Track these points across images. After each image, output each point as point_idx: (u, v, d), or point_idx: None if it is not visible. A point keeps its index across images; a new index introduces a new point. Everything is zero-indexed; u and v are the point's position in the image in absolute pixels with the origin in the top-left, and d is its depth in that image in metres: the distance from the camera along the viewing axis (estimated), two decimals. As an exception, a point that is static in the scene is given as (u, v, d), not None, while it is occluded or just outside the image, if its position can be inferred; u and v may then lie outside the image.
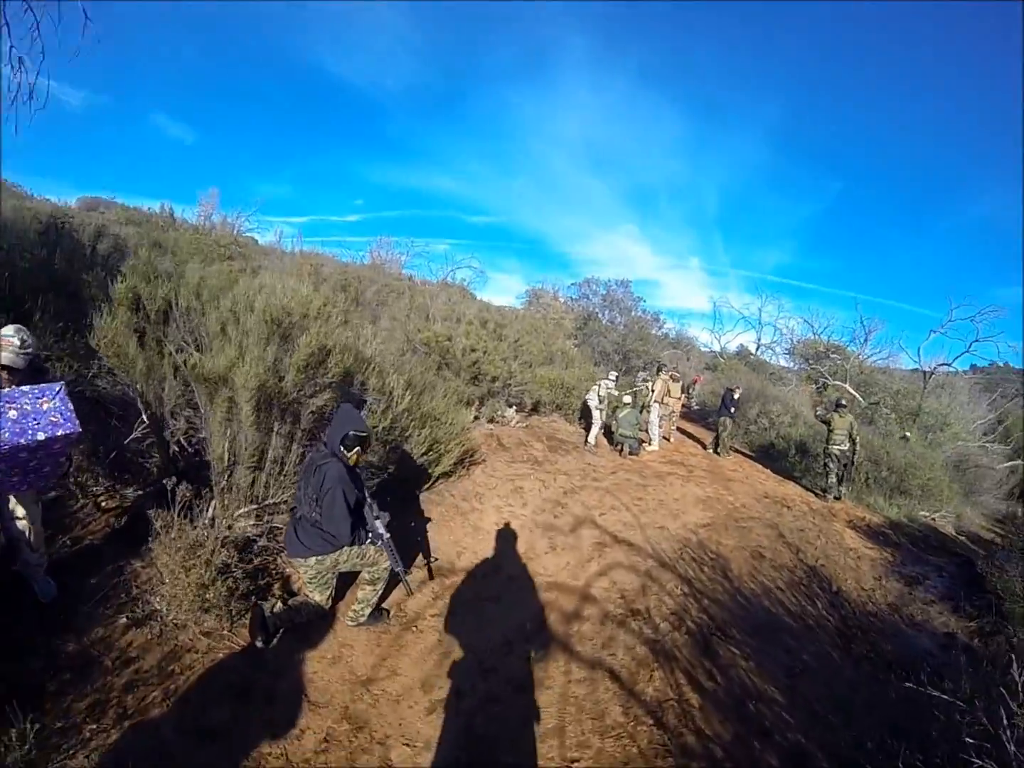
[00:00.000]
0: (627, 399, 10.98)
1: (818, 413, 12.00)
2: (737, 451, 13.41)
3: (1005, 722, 2.76)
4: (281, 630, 3.85)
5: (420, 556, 5.27)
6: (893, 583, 6.93)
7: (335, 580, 4.08)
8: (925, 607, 6.41)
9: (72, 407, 3.37)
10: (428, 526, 5.81)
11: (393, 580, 4.27)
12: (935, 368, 19.18)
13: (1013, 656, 3.26)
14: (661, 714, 3.83)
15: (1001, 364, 26.50)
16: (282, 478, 4.64)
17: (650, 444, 11.69)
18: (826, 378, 21.90)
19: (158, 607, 3.71)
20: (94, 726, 2.90)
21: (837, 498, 10.11)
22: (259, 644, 3.70)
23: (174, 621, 3.67)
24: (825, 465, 10.26)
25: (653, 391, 11.91)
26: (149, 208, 20.38)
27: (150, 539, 3.97)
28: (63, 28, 4.22)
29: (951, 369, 20.03)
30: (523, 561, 5.66)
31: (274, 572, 4.54)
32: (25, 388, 3.28)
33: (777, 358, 30.53)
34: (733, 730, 3.76)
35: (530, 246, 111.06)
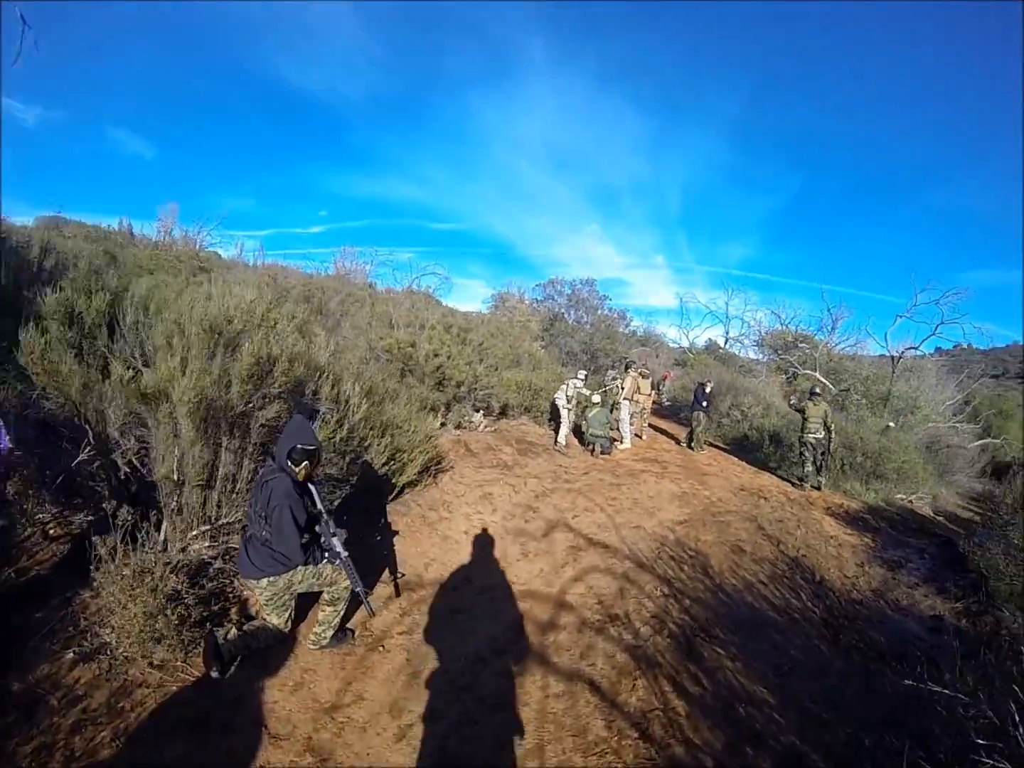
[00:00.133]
0: (596, 398, 10.79)
1: (792, 402, 11.91)
2: (711, 444, 13.29)
3: (1016, 717, 2.54)
4: (238, 658, 3.62)
5: (386, 571, 4.99)
6: (876, 568, 6.81)
7: (293, 601, 3.83)
8: (910, 591, 6.30)
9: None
10: (394, 539, 5.52)
11: (356, 598, 3.98)
12: (903, 352, 19.27)
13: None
14: (646, 725, 3.60)
15: (965, 346, 26.86)
16: (234, 496, 4.37)
17: (622, 442, 11.49)
18: (796, 367, 21.95)
19: (107, 639, 3.47)
20: (40, 772, 2.64)
21: (816, 487, 10.02)
22: (214, 674, 3.46)
23: (124, 654, 3.42)
24: (801, 454, 10.16)
25: (623, 389, 11.73)
26: (108, 225, 19.96)
27: (91, 568, 3.66)
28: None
29: (918, 353, 20.17)
30: (494, 570, 5.40)
31: (231, 595, 4.25)
32: None
33: (746, 350, 30.59)
34: (723, 737, 3.55)
35: (495, 251, 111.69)
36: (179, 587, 3.74)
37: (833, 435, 9.91)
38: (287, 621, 3.82)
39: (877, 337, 24.62)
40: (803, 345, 24.27)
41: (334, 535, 3.75)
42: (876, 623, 5.42)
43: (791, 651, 4.60)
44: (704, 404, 12.37)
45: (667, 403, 19.32)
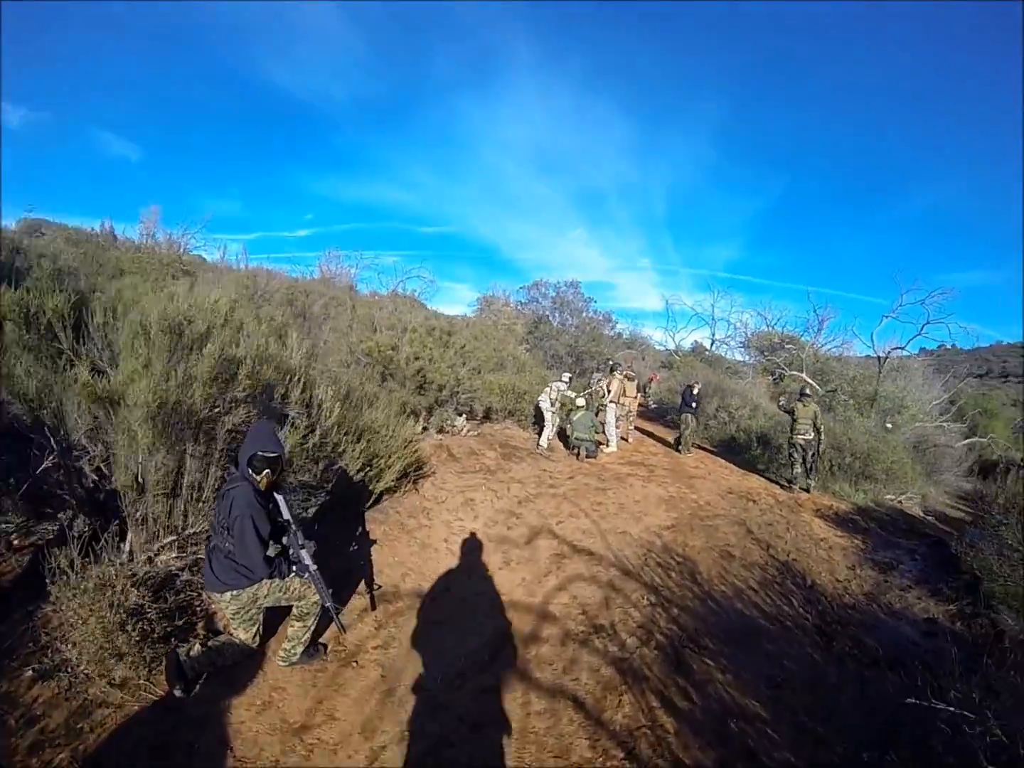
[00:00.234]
0: (581, 401, 10.61)
1: (781, 403, 11.79)
2: (699, 447, 13.14)
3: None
4: (203, 675, 3.42)
5: (362, 583, 4.77)
6: (867, 571, 6.67)
7: (261, 615, 3.61)
8: (902, 593, 6.16)
9: None
10: (371, 548, 5.30)
11: (327, 613, 3.77)
12: (889, 352, 19.22)
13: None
14: (633, 745, 3.40)
15: (949, 346, 26.97)
16: (201, 505, 4.18)
17: (608, 445, 11.31)
18: (783, 369, 21.87)
19: (69, 656, 3.28)
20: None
21: (805, 489, 9.88)
22: (178, 693, 3.27)
23: (85, 672, 3.23)
24: (790, 455, 10.03)
25: (609, 391, 11.56)
26: (91, 228, 19.61)
27: (47, 582, 3.45)
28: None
29: (904, 353, 20.13)
30: (475, 580, 5.19)
31: (198, 609, 4.03)
32: None
33: (732, 352, 30.58)
34: (715, 755, 3.37)
35: (482, 254, 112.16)
36: (141, 601, 3.55)
37: (823, 436, 9.78)
38: (255, 636, 3.61)
39: (863, 337, 24.66)
40: (789, 346, 24.24)
41: (302, 547, 3.55)
42: (870, 628, 5.27)
43: (784, 661, 4.42)
44: (693, 406, 12.24)
45: (653, 405, 19.19)
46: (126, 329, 4.10)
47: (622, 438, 12.15)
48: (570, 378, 11.36)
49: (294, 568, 3.53)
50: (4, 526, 4.06)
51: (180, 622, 3.75)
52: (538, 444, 10.31)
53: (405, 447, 6.40)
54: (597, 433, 10.71)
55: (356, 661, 3.92)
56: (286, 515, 3.53)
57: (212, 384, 3.84)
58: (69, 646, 3.30)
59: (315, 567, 3.56)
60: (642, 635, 4.53)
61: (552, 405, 10.38)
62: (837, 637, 4.95)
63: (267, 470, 3.39)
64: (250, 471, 3.35)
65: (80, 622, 3.27)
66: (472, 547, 5.76)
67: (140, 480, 3.87)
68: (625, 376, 12.20)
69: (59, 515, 3.95)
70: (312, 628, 3.72)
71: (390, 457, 5.97)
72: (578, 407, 10.49)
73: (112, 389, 3.48)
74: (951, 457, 17.17)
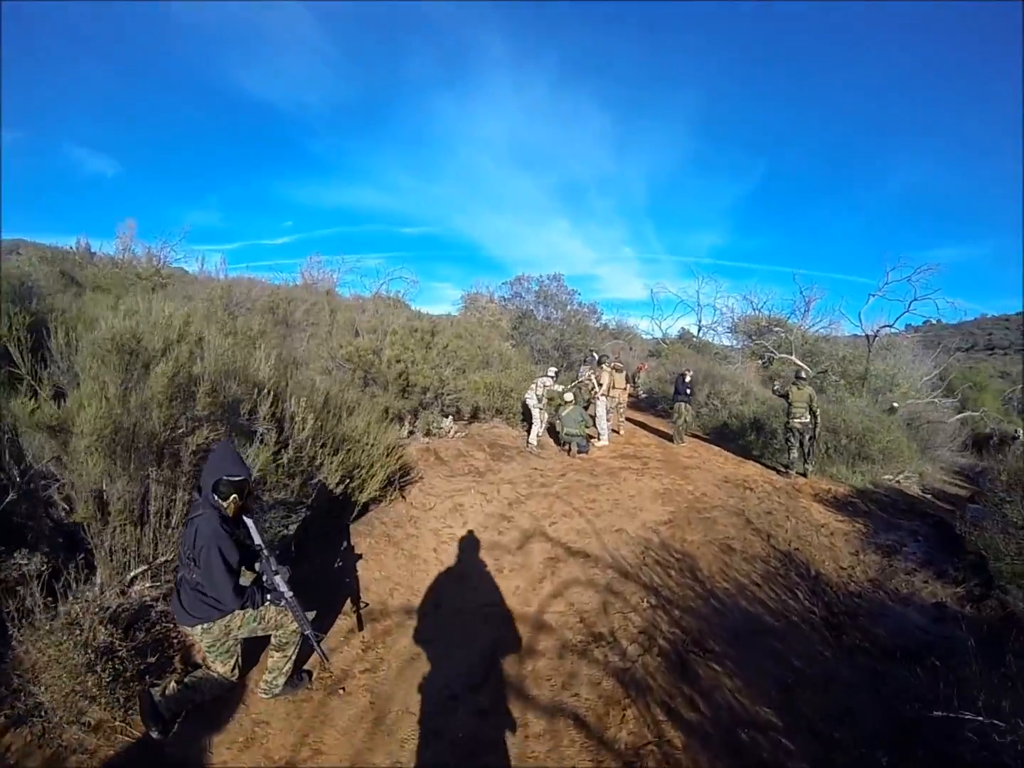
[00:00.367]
0: (569, 396, 10.38)
1: (775, 388, 11.60)
2: (692, 435, 12.95)
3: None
4: (182, 713, 3.19)
5: (348, 602, 4.52)
6: (871, 556, 6.52)
7: (239, 647, 3.36)
8: (908, 577, 6.04)
9: None
10: (356, 563, 5.06)
11: (308, 642, 3.52)
12: (877, 331, 19.12)
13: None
14: (639, 764, 3.20)
15: (935, 322, 26.93)
16: (170, 532, 3.93)
17: (599, 439, 11.11)
18: (771, 352, 21.74)
19: (42, 699, 3.03)
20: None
21: (802, 474, 9.73)
22: (155, 735, 3.04)
23: (58, 716, 2.99)
24: (786, 440, 9.86)
25: (601, 384, 11.33)
26: (68, 247, 19.22)
27: (8, 625, 3.22)
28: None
29: (892, 331, 20.07)
30: (466, 591, 4.95)
31: (175, 641, 3.78)
32: None
33: (720, 338, 30.51)
34: (726, 770, 3.14)
35: (464, 252, 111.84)
36: (110, 639, 3.30)
37: (818, 420, 9.61)
38: (234, 668, 3.35)
39: (851, 317, 24.59)
40: (777, 329, 24.14)
41: (276, 573, 3.29)
42: (878, 617, 5.13)
43: (793, 660, 4.22)
44: (688, 393, 12.08)
45: (643, 395, 18.99)
46: (84, 350, 3.86)
47: (613, 430, 11.95)
48: (556, 372, 11.12)
49: (268, 596, 3.28)
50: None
51: (154, 658, 3.53)
52: (528, 442, 10.08)
53: (388, 454, 6.14)
54: (587, 427, 10.51)
55: (343, 688, 3.68)
56: (257, 540, 3.29)
57: (169, 405, 3.57)
58: (42, 689, 3.06)
59: (291, 594, 3.31)
60: (644, 641, 4.31)
61: (539, 401, 10.15)
62: (846, 630, 4.79)
63: (234, 495, 3.15)
64: (216, 497, 3.11)
65: (49, 664, 3.06)
66: (462, 556, 5.53)
67: (101, 510, 3.63)
68: (613, 367, 12.00)
69: (14, 553, 3.67)
70: (293, 658, 3.48)
71: (372, 466, 5.71)
72: (566, 402, 10.27)
73: (61, 416, 3.21)
74: (945, 432, 17.12)
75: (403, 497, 6.55)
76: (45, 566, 3.51)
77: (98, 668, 3.08)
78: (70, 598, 3.37)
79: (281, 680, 3.48)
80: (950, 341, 25.63)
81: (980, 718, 2.67)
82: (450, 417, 9.75)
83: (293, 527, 4.88)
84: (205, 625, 3.13)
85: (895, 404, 15.19)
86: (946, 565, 6.27)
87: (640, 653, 4.16)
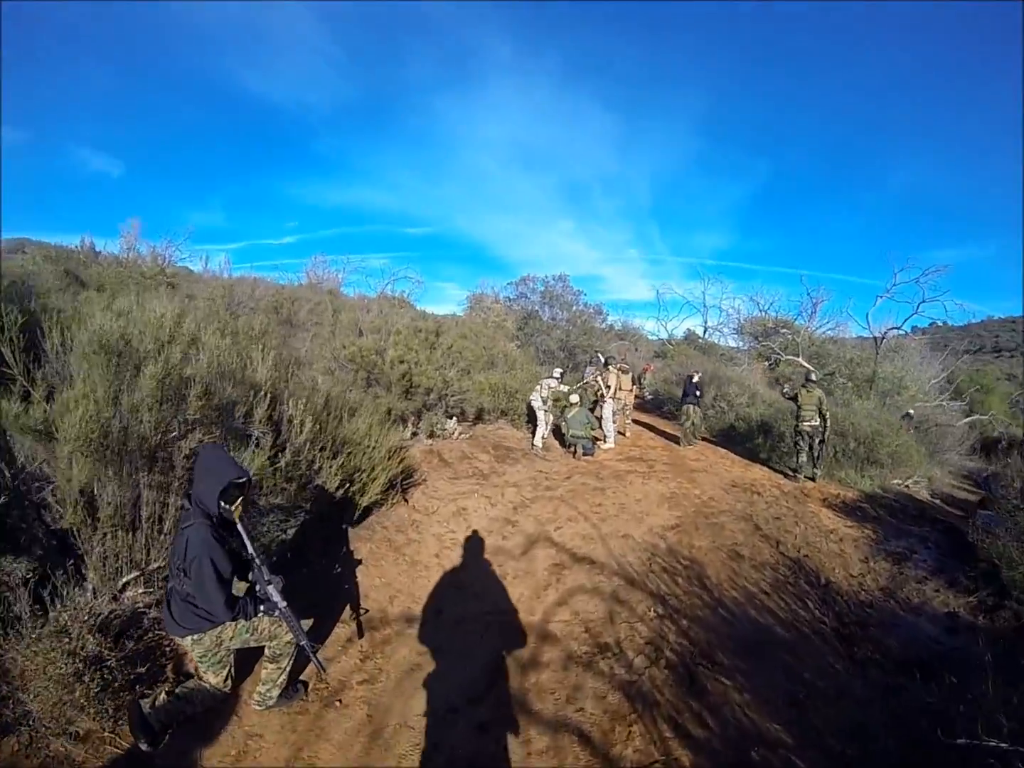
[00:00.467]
0: (575, 398, 10.27)
1: (785, 390, 11.47)
2: (700, 439, 12.78)
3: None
4: (172, 725, 3.10)
5: (346, 609, 4.42)
6: (881, 563, 6.38)
7: (232, 657, 3.25)
8: (919, 586, 5.89)
9: None
10: (356, 569, 4.96)
11: (304, 652, 3.39)
12: (885, 333, 18.94)
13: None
14: (646, 783, 3.06)
15: (940, 324, 26.75)
16: (163, 538, 3.81)
17: (605, 441, 10.99)
18: (778, 354, 21.55)
19: (31, 707, 2.94)
20: None
21: (810, 478, 9.58)
22: (144, 747, 2.96)
23: (46, 726, 2.90)
24: (795, 443, 9.72)
25: (608, 387, 11.20)
26: (72, 244, 19.21)
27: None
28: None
29: (900, 332, 19.86)
30: (468, 599, 4.83)
31: (167, 649, 3.68)
32: None
33: (725, 339, 30.40)
34: (736, 791, 3.03)
35: (469, 252, 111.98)
36: (99, 648, 3.20)
37: (828, 423, 9.48)
38: (226, 679, 3.25)
39: (858, 319, 24.39)
40: (784, 331, 23.96)
41: (269, 583, 3.18)
42: (890, 627, 4.99)
43: (804, 674, 4.10)
44: (697, 394, 11.95)
45: (649, 397, 18.87)
46: (76, 351, 3.76)
47: (619, 432, 11.84)
48: (561, 373, 11.03)
49: (261, 607, 3.18)
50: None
51: (144, 668, 3.41)
52: (532, 444, 9.99)
53: (390, 457, 6.03)
54: (593, 429, 10.40)
55: (340, 700, 3.57)
56: (250, 549, 3.18)
57: (160, 408, 3.47)
58: (30, 697, 2.97)
59: (284, 604, 3.19)
60: (651, 653, 4.19)
61: (544, 403, 10.04)
62: (857, 641, 4.67)
63: (241, 496, 3.10)
64: (224, 504, 3.02)
65: (36, 673, 2.96)
66: (465, 562, 5.42)
67: (91, 515, 3.53)
68: (619, 369, 11.89)
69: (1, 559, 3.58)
70: (287, 669, 3.37)
71: (374, 469, 5.60)
72: (572, 404, 10.17)
73: (46, 420, 3.11)
74: (953, 436, 17.00)
75: (405, 500, 6.45)
76: (33, 572, 3.43)
77: (86, 678, 2.99)
78: (59, 605, 3.27)
79: (275, 692, 3.37)
80: (957, 343, 25.41)
81: (1004, 745, 2.54)
82: (454, 418, 9.64)
83: (291, 531, 4.77)
84: (195, 636, 3.03)
85: (910, 412, 15.02)
86: (958, 573, 6.13)
87: (647, 665, 4.05)
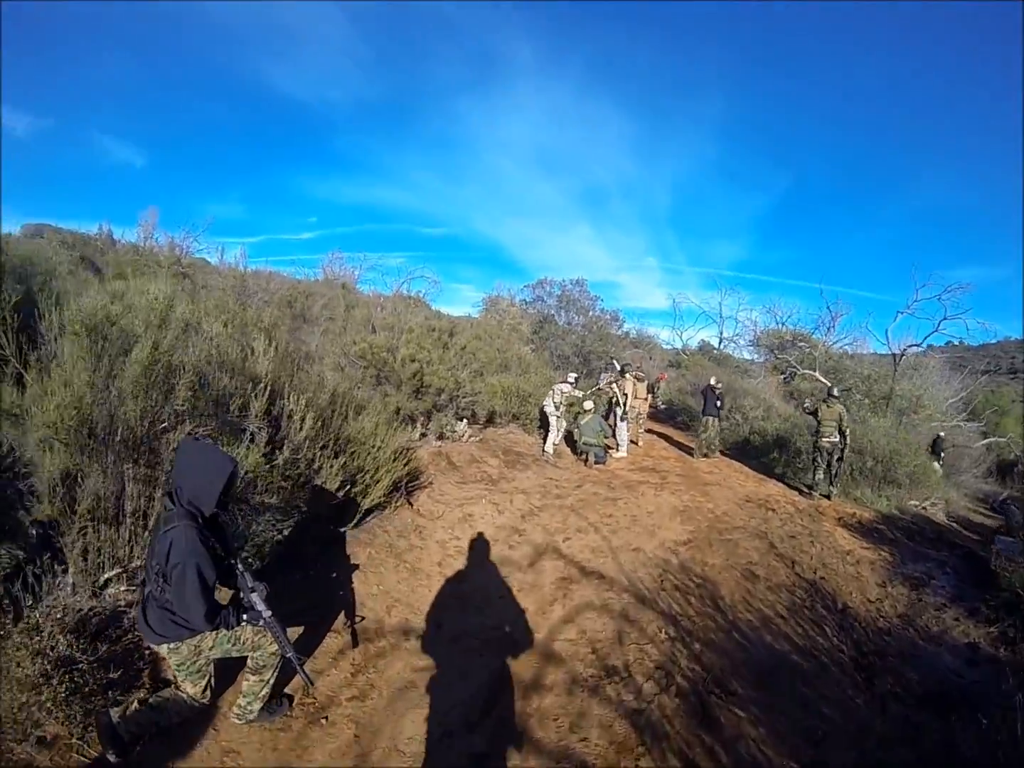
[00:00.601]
0: (589, 404, 10.07)
1: (806, 405, 11.20)
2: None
3: None
4: (144, 736, 2.88)
5: (341, 617, 4.20)
6: (899, 588, 6.14)
7: (211, 667, 3.03)
8: (938, 614, 5.65)
9: None
10: (353, 574, 4.74)
11: (290, 664, 3.17)
12: (905, 350, 18.65)
13: None
14: (653, 825, 2.84)
15: (957, 343, 26.40)
16: (146, 534, 3.61)
17: (618, 450, 10.79)
18: (794, 367, 21.29)
19: None
20: None
21: (826, 496, 9.34)
22: (111, 759, 2.76)
23: (10, 728, 2.71)
24: (813, 460, 9.49)
25: (625, 395, 10.97)
26: (91, 232, 19.22)
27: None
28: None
29: (919, 350, 19.57)
30: (470, 612, 4.61)
31: (146, 653, 3.46)
32: None
33: (740, 351, 30.16)
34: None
35: (486, 254, 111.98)
36: (71, 648, 3.02)
37: (847, 440, 9.24)
38: (205, 689, 3.03)
39: (877, 334, 24.07)
40: (801, 344, 23.66)
41: (253, 591, 2.95)
42: (909, 658, 4.75)
43: (823, 708, 3.86)
44: (717, 406, 11.63)
45: (662, 406, 18.65)
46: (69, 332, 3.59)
47: (632, 441, 11.64)
48: (576, 378, 10.84)
49: (244, 616, 2.96)
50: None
51: (118, 673, 3.16)
52: (543, 450, 9.80)
53: (396, 458, 5.83)
54: (606, 437, 10.19)
55: (326, 717, 3.34)
56: (232, 551, 2.99)
57: (145, 396, 3.27)
58: (-3, 697, 2.80)
59: (269, 613, 2.97)
60: (660, 679, 3.96)
61: (557, 409, 9.84)
62: (877, 672, 4.43)
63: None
64: (223, 500, 2.84)
65: (2, 673, 2.80)
66: (468, 572, 5.21)
67: (70, 507, 3.37)
68: (635, 377, 11.68)
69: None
70: (271, 682, 3.14)
71: (378, 471, 5.40)
72: (586, 411, 9.97)
73: (22, 406, 2.93)
74: (970, 457, 16.72)
75: (410, 504, 6.24)
76: (9, 564, 3.27)
77: (55, 680, 2.81)
78: (30, 600, 3.12)
79: (257, 705, 3.15)
80: (975, 363, 25.06)
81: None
82: (465, 421, 9.44)
83: (286, 532, 4.57)
84: (172, 645, 2.82)
85: (941, 434, 14.73)
86: (977, 602, 5.88)
87: (656, 692, 3.81)
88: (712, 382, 11.91)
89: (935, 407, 17.73)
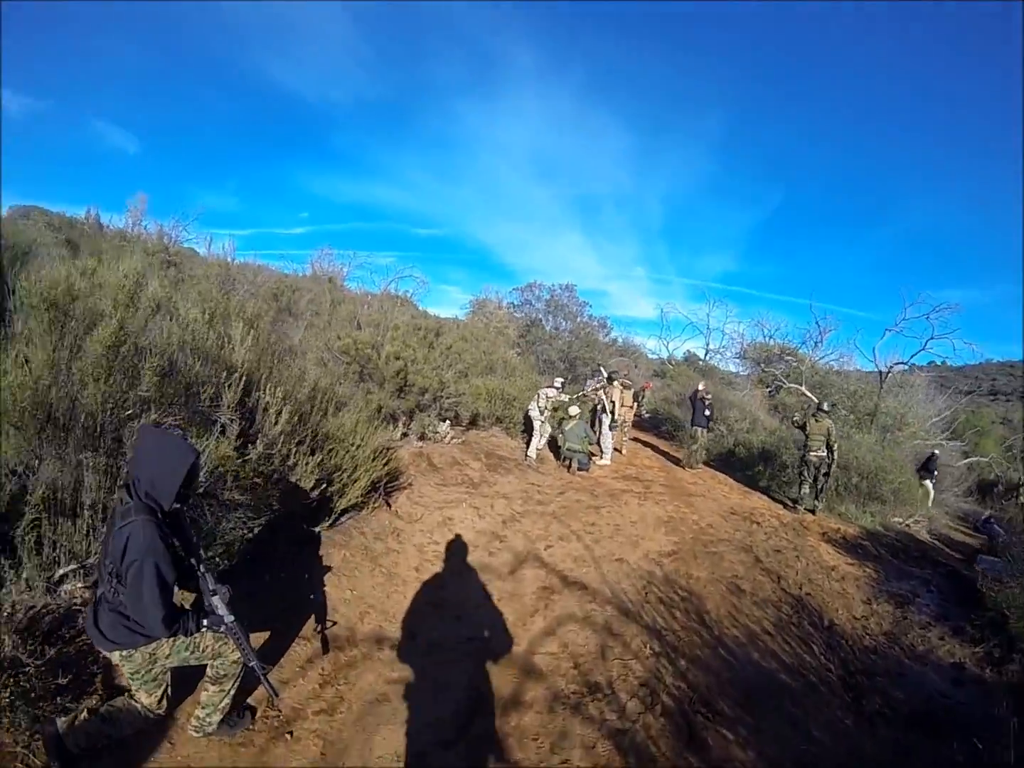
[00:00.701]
0: (574, 410, 9.93)
1: (795, 418, 11.12)
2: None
3: None
4: (94, 748, 2.65)
5: (312, 620, 4.00)
6: (884, 605, 6.07)
7: (168, 676, 2.79)
8: (923, 632, 5.59)
9: None
10: (325, 577, 4.53)
11: (253, 673, 2.94)
12: (891, 367, 18.68)
13: None
14: (636, 854, 2.66)
15: (940, 363, 26.53)
16: (105, 528, 3.37)
17: (601, 457, 10.66)
18: (780, 381, 21.29)
19: None
20: None
21: (811, 510, 9.28)
22: None
23: None
24: (800, 473, 9.44)
25: (613, 402, 10.84)
26: (78, 216, 18.90)
27: None
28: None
29: (904, 368, 19.60)
30: (447, 621, 4.42)
31: (100, 657, 3.16)
32: None
33: (726, 363, 30.20)
34: None
35: (475, 257, 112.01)
36: (17, 650, 2.82)
37: (835, 455, 9.19)
38: (161, 699, 2.78)
39: (864, 351, 24.15)
40: (788, 358, 23.70)
41: (214, 594, 2.72)
42: (895, 677, 4.66)
43: (812, 730, 3.71)
44: (707, 416, 11.52)
45: (647, 415, 18.58)
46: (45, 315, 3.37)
47: (616, 449, 11.50)
48: (562, 383, 10.69)
49: (205, 622, 2.75)
50: None
51: (68, 678, 2.95)
52: (527, 455, 9.64)
53: (376, 457, 5.63)
54: (590, 444, 10.05)
55: (291, 732, 3.12)
56: (193, 551, 2.78)
57: (107, 380, 3.05)
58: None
59: (232, 618, 2.75)
60: (645, 696, 3.78)
61: (541, 413, 9.69)
62: (865, 692, 4.31)
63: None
64: (182, 492, 2.61)
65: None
66: (447, 578, 5.02)
67: (20, 496, 3.14)
68: (622, 384, 11.57)
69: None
70: (231, 692, 2.92)
71: (356, 470, 5.20)
72: (571, 416, 9.82)
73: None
74: (951, 476, 16.76)
75: (388, 505, 6.04)
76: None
77: (-2, 685, 2.60)
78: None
79: (216, 717, 2.93)
80: (958, 383, 25.25)
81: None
82: (447, 422, 9.24)
83: (257, 531, 4.35)
84: (124, 652, 2.59)
85: (936, 452, 14.72)
86: (962, 621, 5.84)
87: (641, 711, 3.63)
88: (700, 389, 11.75)
89: (919, 425, 17.76)
